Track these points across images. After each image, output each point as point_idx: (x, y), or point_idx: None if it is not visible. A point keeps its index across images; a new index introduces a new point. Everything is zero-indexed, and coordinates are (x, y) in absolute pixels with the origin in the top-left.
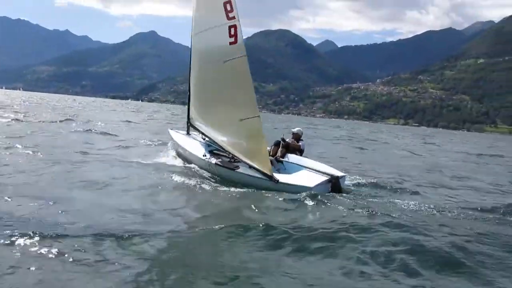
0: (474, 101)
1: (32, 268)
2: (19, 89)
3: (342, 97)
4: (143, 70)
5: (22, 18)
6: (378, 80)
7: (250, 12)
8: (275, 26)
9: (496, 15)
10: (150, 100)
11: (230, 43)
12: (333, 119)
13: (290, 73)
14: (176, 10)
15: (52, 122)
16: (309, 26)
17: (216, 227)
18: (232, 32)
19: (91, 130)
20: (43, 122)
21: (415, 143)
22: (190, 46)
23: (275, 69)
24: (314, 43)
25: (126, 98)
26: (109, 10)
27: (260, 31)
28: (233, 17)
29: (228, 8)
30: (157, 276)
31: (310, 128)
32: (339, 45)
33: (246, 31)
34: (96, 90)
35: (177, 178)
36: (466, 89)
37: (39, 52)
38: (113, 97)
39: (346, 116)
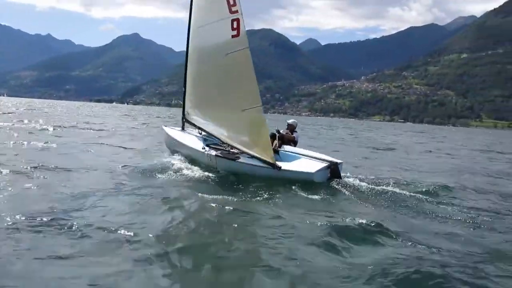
0: (459, 96)
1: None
2: (4, 95)
3: (327, 95)
4: (127, 73)
5: (3, 23)
6: (362, 77)
7: None
8: (258, 26)
9: (478, 9)
10: (135, 103)
11: (233, 36)
12: (319, 117)
13: (274, 72)
14: (158, 11)
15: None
16: (292, 25)
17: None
18: (235, 25)
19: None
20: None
21: (429, 142)
22: (186, 42)
23: (259, 68)
24: (298, 42)
25: (111, 101)
26: (91, 13)
27: (246, 30)
28: (236, 11)
29: (231, 2)
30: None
31: (305, 129)
32: (323, 43)
33: None
34: (80, 94)
35: (178, 175)
36: (450, 84)
37: (22, 57)
38: (98, 101)
39: (332, 114)
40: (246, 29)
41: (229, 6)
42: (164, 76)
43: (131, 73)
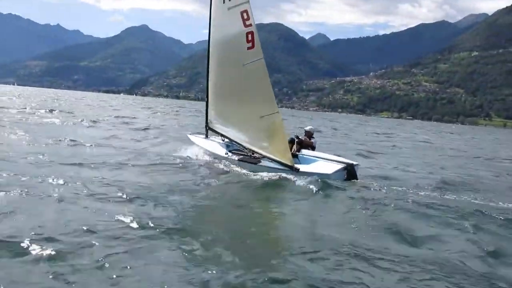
0: (468, 94)
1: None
2: (14, 84)
3: (336, 90)
4: (135, 64)
5: (13, 13)
6: (371, 73)
7: None
8: (267, 20)
9: (489, 7)
10: (143, 94)
11: (248, 48)
12: (327, 112)
13: (283, 66)
14: (166, 3)
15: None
16: (301, 20)
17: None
18: (250, 38)
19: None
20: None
21: (464, 142)
22: (207, 54)
23: (267, 62)
24: (307, 36)
25: (119, 92)
26: (100, 4)
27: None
28: (250, 25)
29: (245, 16)
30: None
31: (323, 127)
32: (332, 38)
33: None
34: (88, 84)
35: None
36: (460, 82)
37: (31, 47)
38: (106, 92)
39: (340, 110)
40: (256, 22)
41: (243, 20)
42: (172, 69)
43: (139, 64)
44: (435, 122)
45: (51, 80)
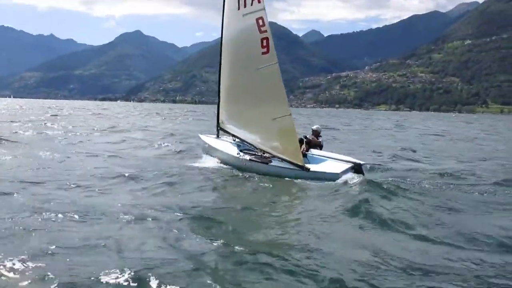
0: (464, 83)
1: None
2: (10, 97)
3: (332, 86)
4: (130, 71)
5: (5, 25)
6: (366, 67)
7: None
8: None
9: None
10: (140, 100)
11: (263, 53)
12: (325, 108)
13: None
14: (159, 8)
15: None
16: (294, 17)
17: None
18: (265, 44)
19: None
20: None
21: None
22: (219, 58)
23: None
24: (300, 34)
25: (115, 99)
26: (92, 11)
27: None
28: (265, 31)
29: (261, 23)
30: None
31: (329, 126)
32: (325, 35)
33: None
34: (84, 93)
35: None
36: (455, 71)
37: (25, 58)
38: (103, 99)
39: (337, 105)
40: None
41: (259, 27)
42: (168, 73)
43: (134, 70)
44: (433, 112)
45: (47, 91)
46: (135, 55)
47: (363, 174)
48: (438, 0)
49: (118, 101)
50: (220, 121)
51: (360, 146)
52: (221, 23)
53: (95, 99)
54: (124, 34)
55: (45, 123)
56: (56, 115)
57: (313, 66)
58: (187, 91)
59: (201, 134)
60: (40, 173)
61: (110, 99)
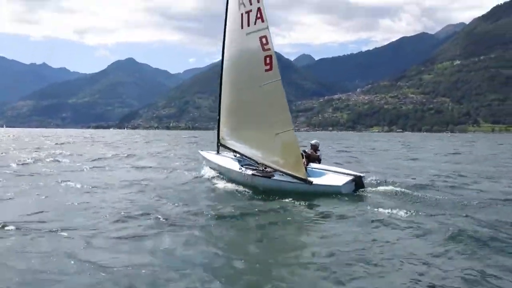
0: (455, 103)
1: None
2: (3, 126)
3: (324, 109)
4: (123, 98)
5: None
6: (358, 90)
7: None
8: None
9: (466, 16)
10: (134, 127)
11: (266, 70)
12: (318, 131)
13: None
14: (151, 35)
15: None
16: (285, 42)
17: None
18: (268, 61)
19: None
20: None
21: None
22: (220, 76)
23: None
24: (292, 58)
25: (108, 127)
26: (84, 40)
27: None
28: (268, 49)
29: (264, 41)
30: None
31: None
32: (316, 58)
33: None
34: (77, 121)
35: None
36: (446, 91)
37: (18, 87)
38: (96, 127)
39: (330, 128)
40: None
41: (262, 45)
42: (161, 99)
43: (127, 98)
44: (425, 133)
45: (40, 120)
46: (128, 82)
47: (364, 186)
48: (426, 22)
49: (111, 129)
50: (220, 137)
51: (391, 168)
52: (222, 44)
53: (88, 127)
54: (117, 62)
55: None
56: (61, 144)
57: (305, 90)
58: (181, 117)
59: (201, 151)
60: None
61: (103, 127)
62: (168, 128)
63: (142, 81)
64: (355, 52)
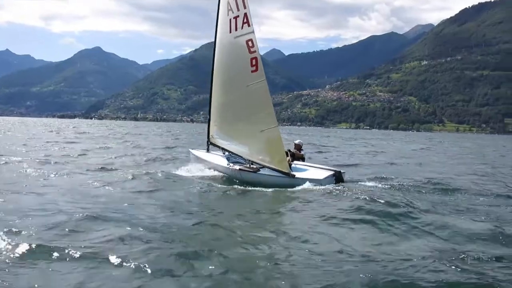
0: (421, 102)
1: None
2: None
3: (293, 104)
4: (90, 87)
5: None
6: (327, 86)
7: (197, 24)
8: None
9: (434, 18)
10: (100, 118)
11: (252, 71)
12: (286, 126)
13: None
14: (119, 24)
15: None
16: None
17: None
18: (254, 63)
19: None
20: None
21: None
22: (211, 77)
23: None
24: (262, 52)
25: (74, 116)
26: (51, 27)
27: (208, 43)
28: (254, 51)
29: (250, 44)
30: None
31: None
32: (286, 54)
33: (194, 43)
34: (42, 110)
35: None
36: (413, 90)
37: None
38: (62, 117)
39: (299, 123)
40: (211, 40)
41: (248, 47)
42: (129, 90)
43: (94, 87)
44: (391, 131)
45: (2, 108)
46: (95, 71)
47: (343, 181)
48: (395, 22)
49: (77, 118)
50: (210, 136)
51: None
52: (213, 45)
53: (53, 116)
54: (84, 51)
55: None
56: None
57: (274, 84)
58: (149, 108)
59: (192, 149)
60: None
61: (69, 117)
62: (136, 119)
63: (109, 71)
64: (325, 49)
